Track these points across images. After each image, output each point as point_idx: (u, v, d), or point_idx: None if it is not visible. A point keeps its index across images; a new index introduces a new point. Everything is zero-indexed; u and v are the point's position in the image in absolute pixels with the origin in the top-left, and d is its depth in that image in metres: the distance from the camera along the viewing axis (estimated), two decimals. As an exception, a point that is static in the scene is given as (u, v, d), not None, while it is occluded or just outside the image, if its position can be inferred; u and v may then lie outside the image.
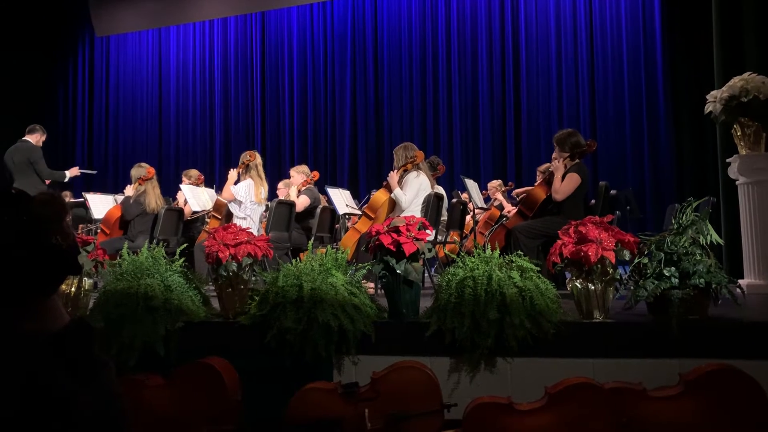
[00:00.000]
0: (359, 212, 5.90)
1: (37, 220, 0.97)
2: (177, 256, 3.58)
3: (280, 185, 6.86)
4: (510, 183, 8.82)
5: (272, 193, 6.66)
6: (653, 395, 2.55)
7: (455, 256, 3.23)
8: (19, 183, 6.42)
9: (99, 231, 6.23)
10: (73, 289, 3.65)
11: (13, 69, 11.21)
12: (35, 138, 6.80)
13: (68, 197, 8.52)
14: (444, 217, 5.82)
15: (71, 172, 7.23)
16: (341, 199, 5.91)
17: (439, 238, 5.43)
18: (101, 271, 3.75)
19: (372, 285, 4.24)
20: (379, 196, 5.26)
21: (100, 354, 1.05)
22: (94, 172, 7.58)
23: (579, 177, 4.57)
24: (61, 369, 0.95)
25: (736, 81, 4.61)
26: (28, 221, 0.96)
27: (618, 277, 3.06)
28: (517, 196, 6.58)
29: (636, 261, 3.04)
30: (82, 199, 7.10)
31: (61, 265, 1.00)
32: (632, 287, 3.02)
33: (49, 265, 0.98)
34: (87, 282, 3.75)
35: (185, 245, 4.07)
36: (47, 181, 6.99)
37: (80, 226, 7.41)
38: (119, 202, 6.38)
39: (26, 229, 0.95)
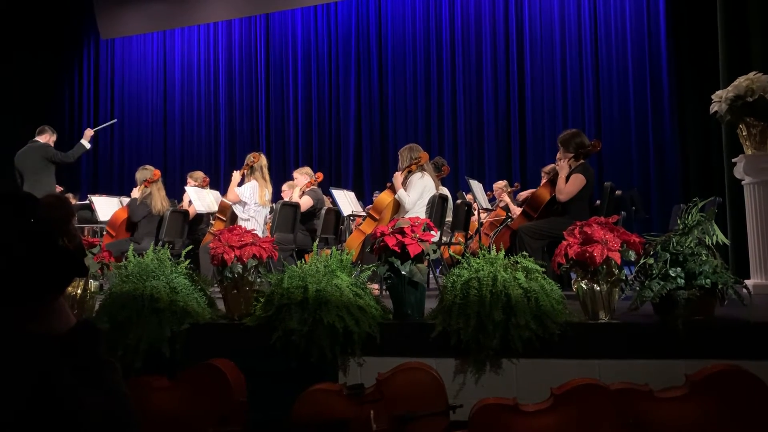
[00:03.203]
0: (364, 213, 5.91)
1: (44, 222, 0.97)
2: (182, 258, 3.58)
3: (285, 187, 6.87)
4: (516, 184, 8.82)
5: (277, 195, 6.66)
6: (659, 396, 2.54)
7: (460, 257, 3.23)
8: (30, 185, 6.39)
9: (105, 233, 6.25)
10: (79, 291, 3.66)
11: (19, 71, 11.27)
12: (45, 138, 6.73)
13: (73, 199, 8.55)
14: (449, 218, 5.81)
15: (86, 137, 6.92)
16: (346, 201, 5.91)
17: (444, 239, 5.43)
18: (107, 273, 3.76)
19: (377, 286, 4.24)
20: (384, 197, 5.27)
21: (107, 356, 1.05)
22: (114, 120, 7.33)
23: (583, 177, 4.56)
24: (68, 371, 0.96)
25: (741, 81, 4.60)
26: (35, 223, 0.96)
27: (623, 277, 3.05)
28: (521, 200, 6.57)
29: (641, 261, 3.04)
30: (88, 202, 7.11)
31: (67, 267, 1.00)
32: (638, 288, 3.01)
33: (55, 268, 0.98)
34: (93, 284, 3.76)
35: (190, 247, 4.08)
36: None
37: (86, 228, 7.42)
38: (125, 204, 6.40)
39: (33, 231, 0.96)
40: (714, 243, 3.02)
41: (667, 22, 9.59)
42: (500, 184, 8.00)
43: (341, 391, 2.86)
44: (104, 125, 7.99)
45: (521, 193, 7.26)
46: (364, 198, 9.74)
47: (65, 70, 13.04)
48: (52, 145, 6.81)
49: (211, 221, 6.51)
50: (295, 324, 3.06)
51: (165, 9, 12.33)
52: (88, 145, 6.92)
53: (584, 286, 3.03)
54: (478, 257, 3.14)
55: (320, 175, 6.81)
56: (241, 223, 5.55)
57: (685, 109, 9.17)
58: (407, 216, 4.45)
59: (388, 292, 3.37)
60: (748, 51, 5.86)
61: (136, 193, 6.13)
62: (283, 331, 3.10)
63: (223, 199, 6.09)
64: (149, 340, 3.16)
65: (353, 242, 5.07)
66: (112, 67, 13.06)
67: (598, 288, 3.00)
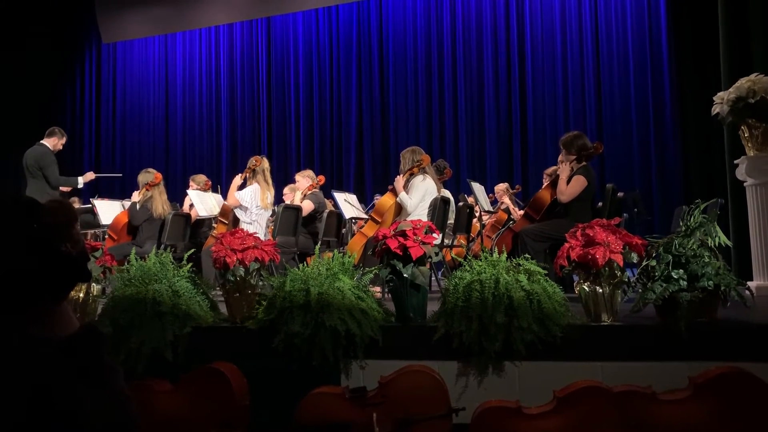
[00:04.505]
0: (366, 216, 5.91)
1: (47, 227, 0.98)
2: (184, 262, 3.59)
3: (286, 190, 6.87)
4: (517, 186, 8.82)
5: (278, 198, 6.67)
6: (662, 398, 2.54)
7: (462, 260, 3.23)
8: (31, 188, 6.37)
9: (107, 237, 6.26)
10: (81, 294, 3.66)
11: (21, 75, 11.29)
12: (52, 142, 6.56)
13: (76, 203, 8.56)
14: (451, 220, 5.82)
15: (85, 178, 6.85)
16: (348, 204, 5.92)
17: (446, 241, 5.43)
18: (109, 277, 3.76)
19: (379, 289, 4.24)
20: (386, 200, 5.27)
21: (110, 359, 1.06)
22: (119, 174, 7.28)
23: (585, 179, 4.56)
24: (71, 375, 0.96)
25: (743, 82, 4.59)
26: (38, 229, 0.96)
27: (626, 279, 3.05)
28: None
29: (644, 263, 3.03)
30: (90, 206, 7.12)
31: (71, 272, 1.01)
32: (640, 290, 3.00)
33: (59, 273, 0.99)
34: (95, 288, 3.77)
35: (193, 250, 4.08)
36: (63, 189, 6.84)
37: (88, 232, 7.43)
38: (126, 208, 6.41)
39: (36, 237, 0.96)
40: (716, 245, 3.01)
41: (668, 23, 9.59)
42: (501, 187, 8.01)
43: (344, 394, 2.86)
44: (108, 175, 7.92)
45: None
46: (366, 201, 9.75)
47: (67, 74, 13.06)
48: (61, 147, 6.71)
49: (213, 224, 6.52)
50: (298, 327, 3.06)
51: (166, 13, 12.36)
52: (80, 184, 6.81)
53: (586, 288, 3.03)
54: (480, 260, 3.14)
55: (322, 178, 6.81)
56: (243, 226, 5.55)
57: (687, 110, 9.16)
58: (409, 219, 4.46)
59: (390, 295, 3.37)
60: (749, 52, 5.86)
61: (137, 196, 6.14)
62: (286, 334, 3.10)
63: (225, 203, 6.10)
64: (152, 344, 3.16)
65: (355, 245, 5.07)
66: (114, 71, 13.09)
67: (601, 290, 3.00)
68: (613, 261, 2.94)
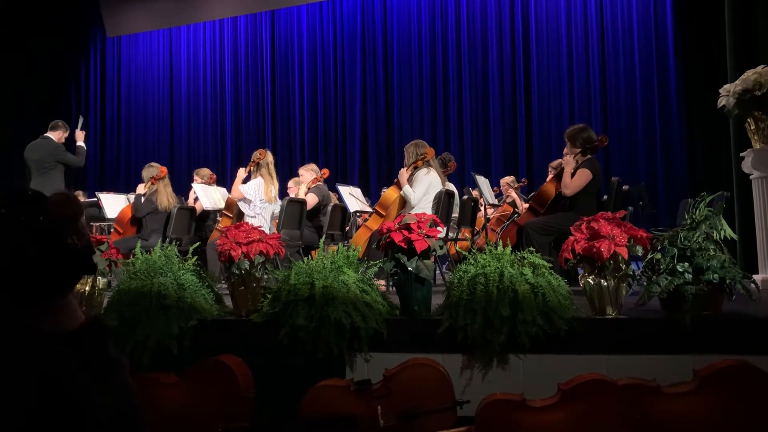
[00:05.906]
0: (370, 210, 5.91)
1: (53, 220, 0.98)
2: (190, 255, 3.60)
3: (291, 183, 6.88)
4: (523, 179, 8.80)
5: (283, 192, 6.68)
6: (667, 391, 2.54)
7: (467, 253, 3.22)
8: (36, 182, 6.36)
9: (112, 230, 6.28)
10: (87, 288, 3.67)
11: (26, 69, 11.31)
12: (57, 135, 6.55)
13: (81, 197, 8.58)
14: (455, 213, 5.81)
15: (80, 139, 6.83)
16: (352, 197, 5.91)
17: (451, 235, 5.43)
18: (115, 270, 3.78)
19: (383, 282, 4.24)
20: (390, 193, 5.26)
21: (115, 352, 1.06)
22: (81, 118, 7.29)
23: (590, 172, 4.55)
24: (77, 368, 0.96)
25: (749, 74, 4.56)
26: (45, 222, 0.97)
27: (631, 273, 3.05)
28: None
29: (649, 257, 3.03)
30: (96, 199, 7.14)
31: (76, 265, 1.01)
32: (645, 283, 3.00)
33: (64, 265, 0.99)
34: (101, 281, 3.78)
35: (198, 244, 4.09)
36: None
37: (93, 225, 7.45)
38: (132, 201, 6.42)
39: (42, 230, 0.96)
40: (722, 238, 3.00)
41: (674, 15, 9.54)
42: (507, 180, 8.00)
43: (349, 387, 2.87)
44: (80, 124, 7.95)
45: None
46: (371, 194, 9.75)
47: (72, 68, 13.08)
48: (64, 141, 6.72)
49: (218, 218, 6.53)
50: (302, 320, 3.07)
51: (171, 6, 12.35)
52: (84, 148, 6.83)
53: (591, 281, 3.02)
54: (485, 253, 3.14)
55: (326, 172, 6.81)
56: (247, 219, 5.56)
57: (693, 103, 9.12)
58: (413, 212, 4.46)
59: (394, 288, 3.38)
60: (755, 44, 5.82)
61: (142, 189, 6.15)
62: (290, 328, 3.11)
63: (230, 196, 6.11)
64: (157, 337, 3.18)
65: (360, 238, 5.08)
66: (119, 64, 13.10)
67: (606, 283, 2.99)
68: (618, 254, 2.93)
